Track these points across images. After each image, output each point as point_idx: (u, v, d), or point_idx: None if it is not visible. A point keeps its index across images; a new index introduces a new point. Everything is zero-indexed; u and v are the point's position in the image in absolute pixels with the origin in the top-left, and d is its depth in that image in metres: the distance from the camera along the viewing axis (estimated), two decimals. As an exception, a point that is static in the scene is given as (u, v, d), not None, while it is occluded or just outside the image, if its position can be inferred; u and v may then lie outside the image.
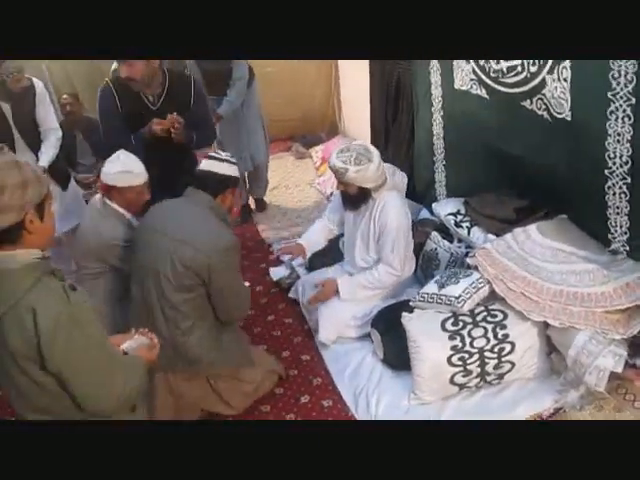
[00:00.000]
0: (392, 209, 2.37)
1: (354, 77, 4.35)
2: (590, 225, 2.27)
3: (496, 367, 2.11)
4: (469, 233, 2.61)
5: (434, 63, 2.96)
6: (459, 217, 2.71)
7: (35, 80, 2.80)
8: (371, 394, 2.22)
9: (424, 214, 3.27)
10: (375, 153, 2.33)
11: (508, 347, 2.10)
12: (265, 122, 3.85)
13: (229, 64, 3.43)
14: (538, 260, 2.20)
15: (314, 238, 2.72)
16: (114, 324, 2.04)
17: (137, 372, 1.36)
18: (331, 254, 2.90)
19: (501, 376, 2.15)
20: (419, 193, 3.47)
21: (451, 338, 2.09)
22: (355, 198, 2.40)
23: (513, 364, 2.13)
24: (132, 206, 2.22)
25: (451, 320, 2.13)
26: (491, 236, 2.45)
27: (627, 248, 2.16)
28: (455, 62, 2.77)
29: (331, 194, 3.89)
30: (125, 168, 2.14)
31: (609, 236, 2.21)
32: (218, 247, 1.91)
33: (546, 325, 2.09)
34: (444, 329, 2.11)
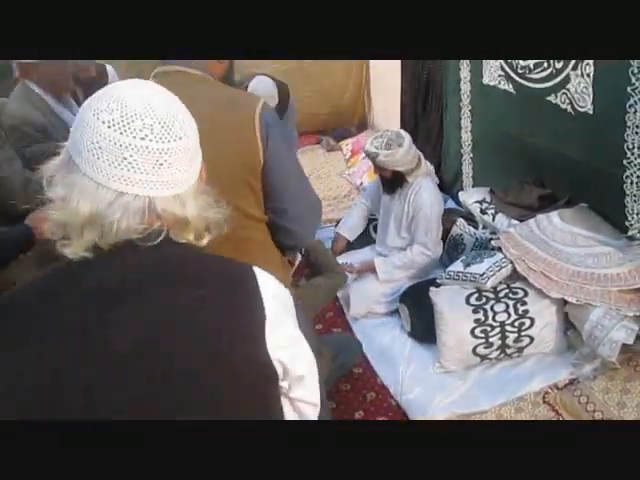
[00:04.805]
0: (425, 192, 2.57)
1: (384, 72, 4.52)
2: (609, 213, 2.41)
3: (516, 340, 2.28)
4: (494, 219, 2.77)
5: (464, 60, 3.13)
6: (484, 205, 2.87)
7: (108, 67, 3.08)
8: (398, 363, 2.41)
9: (450, 204, 3.44)
10: (406, 139, 2.54)
11: (528, 322, 2.27)
12: None
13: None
14: (558, 244, 2.36)
15: (352, 223, 2.95)
16: None
17: None
18: (362, 238, 3.10)
19: (520, 350, 2.32)
20: (446, 184, 3.64)
21: (475, 312, 2.26)
22: (391, 181, 2.62)
23: (532, 338, 2.29)
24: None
25: (475, 295, 2.30)
26: (515, 222, 2.62)
27: (643, 234, 2.31)
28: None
29: (360, 184, 4.07)
30: None
31: (626, 223, 2.35)
32: None
33: (564, 303, 2.26)
34: (468, 303, 2.28)
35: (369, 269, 2.75)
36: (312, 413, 0.92)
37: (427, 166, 3.36)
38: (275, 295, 0.81)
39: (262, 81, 2.71)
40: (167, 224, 0.76)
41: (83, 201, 0.72)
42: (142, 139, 0.71)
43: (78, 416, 0.69)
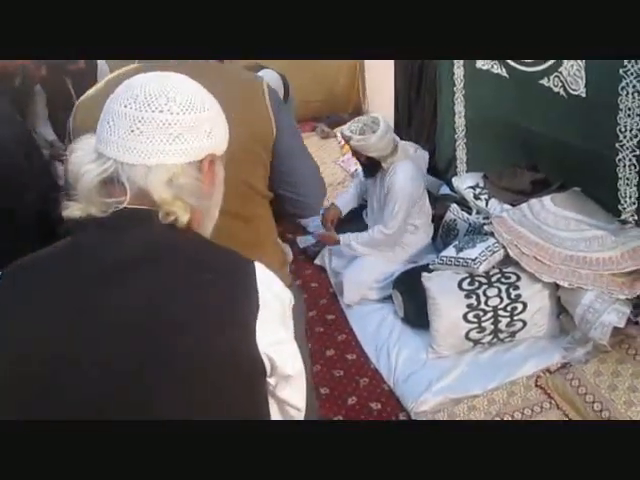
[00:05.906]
0: (401, 173, 2.57)
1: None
2: (601, 197, 2.41)
3: (508, 325, 2.28)
4: (487, 204, 2.76)
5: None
6: (478, 190, 2.86)
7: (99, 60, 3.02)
8: (392, 348, 2.41)
9: (444, 190, 3.43)
10: (382, 125, 2.52)
11: (520, 307, 2.27)
12: None
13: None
14: (551, 228, 2.35)
15: (347, 198, 3.02)
16: None
17: None
18: (355, 224, 3.09)
19: (513, 334, 2.32)
20: (440, 170, 3.63)
21: (467, 296, 2.26)
22: (366, 166, 2.65)
23: (524, 323, 2.29)
24: None
25: (467, 280, 2.30)
26: (507, 206, 2.61)
27: (635, 218, 2.29)
28: (477, 43, 2.91)
29: (355, 171, 4.05)
30: None
31: (619, 207, 2.34)
32: None
33: (556, 287, 2.26)
34: (461, 288, 2.28)
35: (330, 239, 2.82)
36: (297, 417, 0.93)
37: (408, 151, 3.36)
38: (274, 293, 0.82)
39: (268, 74, 2.76)
40: (131, 197, 0.77)
41: (75, 157, 0.80)
42: (125, 106, 0.77)
43: (80, 385, 0.73)
